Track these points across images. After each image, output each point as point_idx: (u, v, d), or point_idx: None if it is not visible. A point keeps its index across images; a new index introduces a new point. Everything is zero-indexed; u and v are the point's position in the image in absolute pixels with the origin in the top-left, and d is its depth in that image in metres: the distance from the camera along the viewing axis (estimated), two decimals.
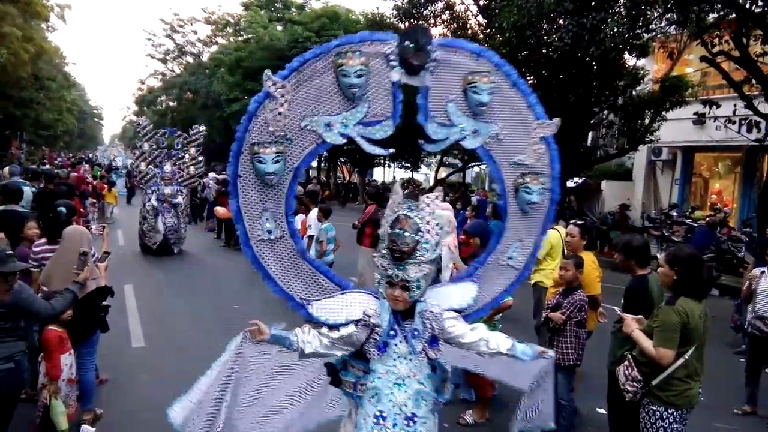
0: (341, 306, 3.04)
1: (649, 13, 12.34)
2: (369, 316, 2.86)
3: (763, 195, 11.92)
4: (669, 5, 11.59)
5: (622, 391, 3.63)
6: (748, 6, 9.84)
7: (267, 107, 3.00)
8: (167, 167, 12.92)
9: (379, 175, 40.20)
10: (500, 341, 2.98)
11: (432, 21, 16.98)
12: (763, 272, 5.67)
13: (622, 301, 4.09)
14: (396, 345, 2.87)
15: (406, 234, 2.71)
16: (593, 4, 12.37)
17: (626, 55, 14.55)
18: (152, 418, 4.93)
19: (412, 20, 17.09)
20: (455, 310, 3.10)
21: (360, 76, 3.00)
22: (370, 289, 3.16)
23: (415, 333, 2.86)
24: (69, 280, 4.30)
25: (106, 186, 18.15)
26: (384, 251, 2.81)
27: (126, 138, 77.99)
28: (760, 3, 9.52)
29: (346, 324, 2.93)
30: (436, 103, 3.21)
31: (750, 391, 5.69)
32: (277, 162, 2.98)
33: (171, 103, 47.67)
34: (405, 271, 2.73)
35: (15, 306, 3.65)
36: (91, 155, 45.13)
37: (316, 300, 3.14)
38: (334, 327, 2.95)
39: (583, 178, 20.92)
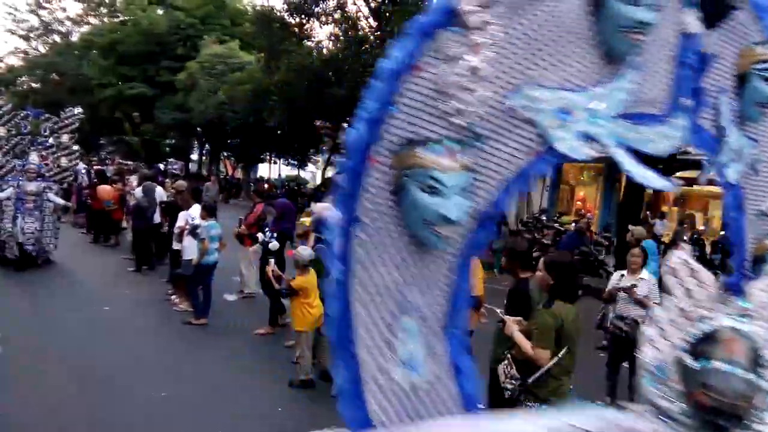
0: None
1: None
2: None
3: (622, 204, 13.12)
4: None
5: (502, 388, 3.81)
6: None
7: (443, 50, 1.33)
8: (32, 158, 10.55)
9: (265, 171, 39.40)
10: None
11: (323, 19, 16.90)
12: (622, 275, 6.22)
13: (505, 302, 4.29)
14: None
15: (736, 372, 1.24)
16: None
17: None
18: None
19: (303, 16, 16.90)
20: None
21: (656, 8, 1.48)
22: None
23: None
24: None
25: None
26: (666, 403, 1.36)
27: None
28: None
29: None
30: (713, 90, 1.80)
31: (610, 384, 6.21)
32: (466, 191, 1.39)
33: (34, 85, 43.48)
34: None
35: None
36: None
37: None
38: None
39: None
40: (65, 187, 14.69)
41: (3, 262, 10.05)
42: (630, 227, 8.48)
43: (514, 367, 3.76)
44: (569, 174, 22.27)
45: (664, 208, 18.86)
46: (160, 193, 11.02)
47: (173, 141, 35.66)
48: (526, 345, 3.65)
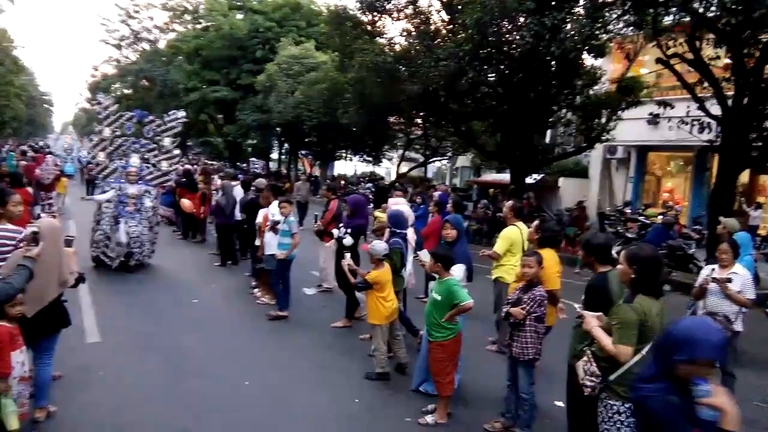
0: None
1: (607, 14, 12.61)
2: None
3: (713, 194, 12.38)
4: (626, 8, 11.88)
5: (581, 385, 3.71)
6: (701, 11, 10.17)
7: None
8: (134, 161, 10.36)
9: (341, 168, 40.05)
10: None
11: (395, 15, 16.94)
12: (713, 270, 5.88)
13: (583, 297, 4.18)
14: None
15: None
16: (554, 3, 12.56)
17: (585, 55, 14.85)
18: (106, 415, 4.83)
19: (375, 13, 17.02)
20: None
21: None
22: None
23: None
24: (53, 273, 4.33)
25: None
26: None
27: (79, 125, 75.52)
28: (713, 8, 9.84)
29: None
30: None
31: None
32: None
33: (126, 91, 46.31)
34: None
35: None
36: (41, 142, 43.46)
37: None
38: None
39: (542, 175, 21.30)
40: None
41: (100, 263, 10.05)
42: (721, 219, 7.99)
43: (594, 364, 3.65)
44: (655, 164, 21.23)
45: (760, 199, 17.61)
46: (239, 192, 11.46)
47: (255, 141, 36.91)
48: (606, 341, 3.53)
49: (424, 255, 6.07)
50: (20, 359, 4.14)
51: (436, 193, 12.26)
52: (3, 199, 4.83)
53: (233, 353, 6.52)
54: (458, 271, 5.67)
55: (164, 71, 38.49)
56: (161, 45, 43.90)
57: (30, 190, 11.20)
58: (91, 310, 7.67)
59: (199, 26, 38.73)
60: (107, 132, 10.43)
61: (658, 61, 12.79)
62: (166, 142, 10.94)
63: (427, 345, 5.34)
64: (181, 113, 11.40)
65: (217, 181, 13.58)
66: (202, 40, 34.61)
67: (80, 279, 4.80)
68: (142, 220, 10.12)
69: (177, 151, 11.32)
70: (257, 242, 8.87)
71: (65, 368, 5.46)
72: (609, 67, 17.90)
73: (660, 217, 14.96)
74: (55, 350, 4.71)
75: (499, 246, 6.84)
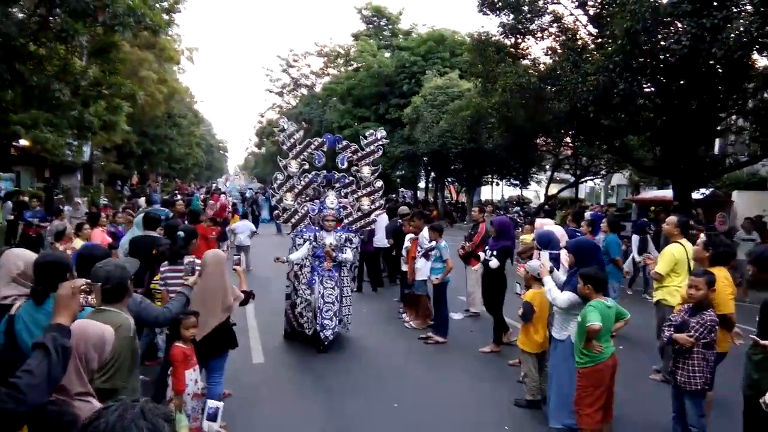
0: None
1: None
2: None
3: None
4: None
5: None
6: None
7: None
8: (330, 200, 7.94)
9: (487, 193, 39.65)
10: None
11: (539, 35, 16.59)
12: None
13: (758, 319, 3.70)
14: None
15: None
16: (715, 3, 11.52)
17: (755, 55, 13.35)
18: (269, 431, 5.16)
19: (518, 35, 16.81)
20: None
21: None
22: None
23: None
24: (216, 301, 4.74)
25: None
26: None
27: (248, 168, 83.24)
28: None
29: None
30: None
31: None
32: None
33: None
34: None
35: (138, 316, 3.74)
36: (213, 185, 48.42)
37: None
38: None
39: (711, 189, 19.35)
40: None
41: (292, 336, 7.95)
42: None
43: None
44: None
45: None
46: (384, 219, 11.82)
47: (402, 172, 37.92)
48: None
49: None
50: (193, 377, 4.58)
51: (588, 213, 11.66)
52: (191, 236, 5.58)
53: (383, 375, 6.66)
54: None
55: (321, 112, 41.26)
56: (317, 89, 47.28)
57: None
58: (257, 332, 8.30)
59: (350, 68, 41.09)
60: (294, 166, 7.99)
61: None
62: (365, 172, 8.26)
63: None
64: (381, 132, 8.43)
65: None
66: (353, 80, 36.61)
67: (249, 296, 5.19)
68: (343, 278, 7.74)
69: (379, 183, 8.37)
70: (404, 268, 9.05)
71: (234, 386, 5.94)
72: None
73: None
74: (225, 369, 5.13)
75: (662, 266, 6.30)
